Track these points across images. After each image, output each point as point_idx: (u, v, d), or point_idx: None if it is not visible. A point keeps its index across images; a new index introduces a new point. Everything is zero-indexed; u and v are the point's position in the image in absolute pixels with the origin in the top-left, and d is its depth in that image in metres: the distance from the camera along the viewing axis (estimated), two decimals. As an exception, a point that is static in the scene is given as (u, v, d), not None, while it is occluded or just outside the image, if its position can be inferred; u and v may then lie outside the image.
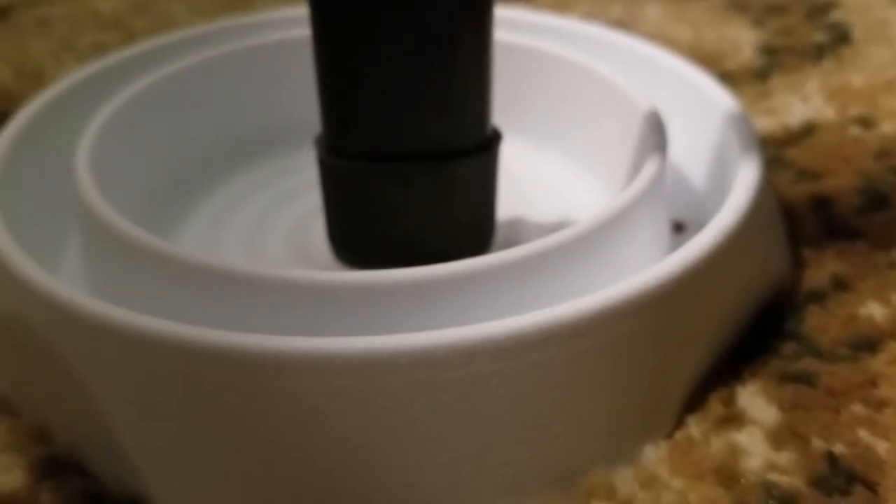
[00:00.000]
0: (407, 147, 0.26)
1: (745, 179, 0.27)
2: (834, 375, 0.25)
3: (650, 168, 0.27)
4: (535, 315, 0.21)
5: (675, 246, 0.30)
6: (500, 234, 0.30)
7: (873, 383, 0.24)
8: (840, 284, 0.28)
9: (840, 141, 0.36)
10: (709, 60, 0.42)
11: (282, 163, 0.35)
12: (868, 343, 0.26)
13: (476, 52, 0.26)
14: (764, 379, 0.25)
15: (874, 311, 0.27)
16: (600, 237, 0.26)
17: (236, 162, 0.35)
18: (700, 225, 0.30)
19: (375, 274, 0.23)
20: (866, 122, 0.37)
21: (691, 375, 0.24)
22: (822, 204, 0.32)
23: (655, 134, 0.29)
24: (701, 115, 0.32)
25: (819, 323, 0.27)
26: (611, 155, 0.33)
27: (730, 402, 0.24)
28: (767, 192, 0.29)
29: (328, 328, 0.23)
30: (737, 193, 0.26)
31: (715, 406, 0.24)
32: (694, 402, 0.24)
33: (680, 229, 0.32)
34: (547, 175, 0.34)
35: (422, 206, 0.28)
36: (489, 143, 0.27)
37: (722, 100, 0.31)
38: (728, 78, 0.41)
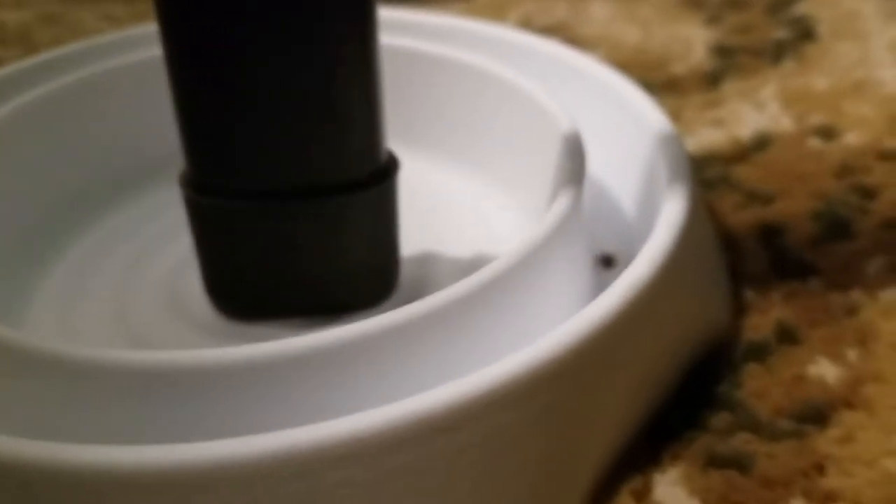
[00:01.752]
0: (283, 182, 0.22)
1: (667, 220, 0.22)
2: (772, 458, 0.20)
3: (561, 204, 0.23)
4: (389, 410, 0.17)
5: (601, 284, 0.26)
6: (407, 274, 0.26)
7: (819, 469, 0.20)
8: (786, 335, 0.24)
9: (797, 156, 0.31)
10: (655, 64, 0.38)
11: (165, 195, 0.30)
12: (816, 413, 0.21)
13: (359, 68, 0.22)
14: (688, 462, 0.20)
15: (825, 370, 0.22)
16: (504, 287, 0.21)
17: (112, 195, 0.30)
18: (631, 259, 0.26)
19: (214, 352, 0.19)
20: (828, 133, 0.32)
21: (597, 462, 0.20)
22: (771, 233, 0.28)
23: (573, 160, 0.25)
24: (630, 133, 0.28)
25: (759, 386, 0.22)
26: (530, 177, 0.28)
27: (644, 495, 0.20)
28: (701, 227, 0.25)
29: (160, 421, 0.19)
30: (654, 239, 0.22)
31: (626, 501, 0.20)
32: (601, 495, 0.20)
33: (609, 264, 0.27)
34: (462, 200, 0.30)
35: (306, 250, 0.24)
36: (384, 173, 0.24)
37: (652, 116, 0.27)
38: (674, 84, 0.36)
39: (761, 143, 0.32)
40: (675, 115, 0.33)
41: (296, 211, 0.23)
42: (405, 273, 0.26)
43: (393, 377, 0.20)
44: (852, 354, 0.23)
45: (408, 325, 0.20)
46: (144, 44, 0.31)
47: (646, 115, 0.27)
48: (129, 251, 0.28)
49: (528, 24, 0.42)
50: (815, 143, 0.32)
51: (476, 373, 0.18)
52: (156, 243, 0.28)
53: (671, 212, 0.23)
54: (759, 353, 0.23)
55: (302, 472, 0.16)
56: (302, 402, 0.19)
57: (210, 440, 0.16)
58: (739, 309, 0.25)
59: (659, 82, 0.36)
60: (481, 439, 0.18)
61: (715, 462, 0.20)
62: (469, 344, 0.21)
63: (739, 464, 0.20)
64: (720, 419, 0.21)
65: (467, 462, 0.17)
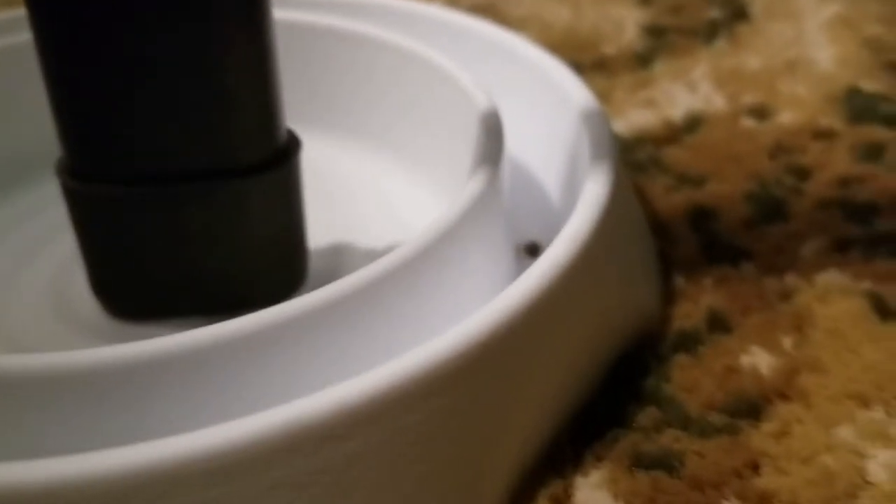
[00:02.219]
0: (168, 166, 0.20)
1: (587, 201, 0.21)
2: (703, 457, 0.18)
3: (476, 184, 0.21)
4: (265, 418, 0.15)
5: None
6: (317, 266, 0.24)
7: (753, 468, 0.18)
8: (718, 323, 0.22)
9: (730, 136, 0.30)
10: (585, 45, 0.36)
11: (48, 191, 0.28)
12: (749, 407, 0.20)
13: (248, 41, 0.20)
14: (612, 463, 0.19)
15: (759, 360, 0.21)
16: (411, 275, 0.19)
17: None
18: None
19: (64, 356, 0.17)
20: (761, 113, 0.31)
21: (511, 467, 0.18)
22: (703, 216, 0.26)
23: (489, 139, 0.23)
24: (556, 114, 0.26)
25: (689, 379, 0.21)
26: (448, 160, 0.26)
27: (564, 501, 0.18)
28: (626, 209, 0.23)
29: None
30: (572, 222, 0.20)
31: (544, 508, 0.18)
32: (517, 502, 0.18)
33: (535, 252, 0.26)
34: (376, 185, 0.28)
35: (200, 241, 0.22)
36: (283, 154, 0.22)
37: (577, 95, 0.25)
38: (604, 65, 0.34)
39: (693, 123, 0.31)
40: (605, 97, 0.32)
41: (184, 198, 0.21)
42: (315, 264, 0.24)
43: (283, 377, 0.18)
44: (787, 342, 0.21)
45: (300, 318, 0.18)
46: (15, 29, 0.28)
47: (571, 95, 0.25)
48: (9, 250, 0.25)
49: (456, 3, 0.40)
50: (748, 123, 0.30)
51: (370, 371, 0.16)
52: (39, 241, 0.25)
53: (591, 192, 0.21)
54: (689, 342, 0.22)
55: (165, 492, 0.14)
56: (180, 406, 0.17)
57: (80, 451, 0.14)
58: (669, 297, 0.23)
59: (589, 63, 0.34)
60: (376, 446, 0.16)
61: (641, 462, 0.19)
62: (371, 338, 0.19)
63: (667, 464, 0.18)
64: (647, 415, 0.20)
65: (359, 473, 0.15)
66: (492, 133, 0.23)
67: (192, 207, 0.21)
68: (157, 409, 0.17)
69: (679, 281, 0.24)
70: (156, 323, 0.22)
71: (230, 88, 0.20)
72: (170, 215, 0.21)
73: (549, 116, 0.26)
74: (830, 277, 0.23)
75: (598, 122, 0.24)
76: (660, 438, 0.19)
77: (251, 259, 0.22)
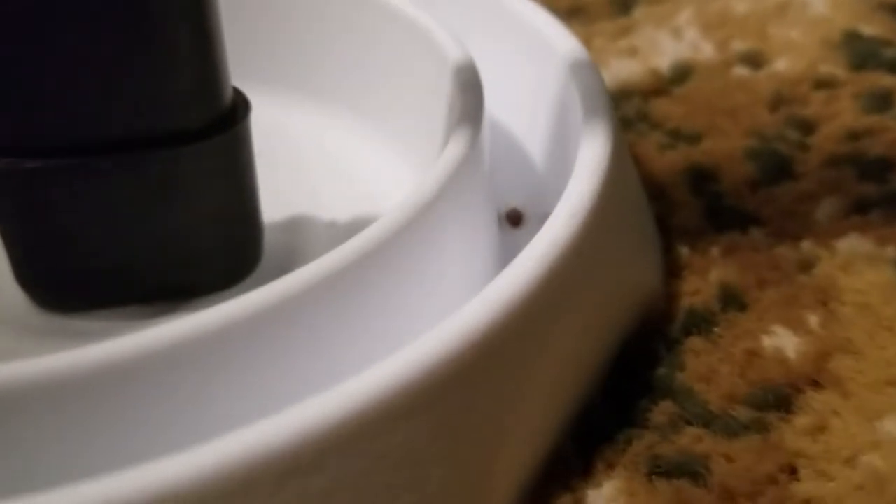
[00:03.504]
0: (90, 134, 0.17)
1: (586, 166, 0.18)
2: (731, 461, 0.16)
3: (454, 150, 0.18)
4: (214, 451, 0.12)
5: (509, 246, 0.22)
6: (272, 245, 0.21)
7: (790, 471, 0.16)
8: (732, 300, 0.19)
9: (723, 87, 0.27)
10: (557, -11, 0.33)
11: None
12: (778, 397, 0.17)
13: None
14: (628, 471, 0.16)
15: (783, 341, 0.18)
16: (387, 257, 0.17)
17: None
18: (544, 215, 0.22)
19: None
20: (755, 60, 0.28)
21: (512, 484, 0.15)
22: (703, 177, 0.23)
23: (466, 95, 0.20)
24: (537, 65, 0.23)
25: (706, 367, 0.18)
26: (417, 119, 0.23)
27: (575, 519, 0.15)
28: (625, 174, 0.20)
29: None
30: (572, 191, 0.17)
31: (552, 529, 0.15)
32: (520, 523, 0.15)
33: (517, 222, 0.23)
34: (336, 150, 0.25)
35: (132, 221, 0.19)
36: (227, 119, 0.19)
37: (562, 44, 0.22)
38: (581, 10, 0.32)
39: (682, 73, 0.28)
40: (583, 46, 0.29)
41: (112, 171, 0.18)
42: (270, 243, 0.21)
43: (235, 390, 0.15)
44: (813, 320, 0.19)
45: (256, 316, 0.15)
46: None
47: (555, 44, 0.22)
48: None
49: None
50: (741, 71, 0.28)
51: (340, 385, 0.13)
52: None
53: (590, 157, 0.18)
54: (701, 323, 0.19)
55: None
56: (93, 436, 0.14)
57: None
58: (673, 270, 0.21)
59: (564, 8, 0.31)
60: (352, 479, 0.13)
61: (660, 469, 0.16)
62: (343, 337, 0.16)
63: (691, 470, 0.16)
64: (662, 412, 0.17)
65: (337, 509, 0.13)
66: (468, 88, 0.20)
67: (122, 182, 0.18)
68: (79, 433, 0.14)
69: (683, 252, 0.21)
70: (89, 314, 0.19)
71: (162, 38, 0.17)
72: (96, 192, 0.18)
73: (528, 67, 0.23)
74: (852, 243, 0.21)
75: (588, 74, 0.21)
76: (679, 439, 0.17)
77: (195, 241, 0.20)
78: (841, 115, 0.25)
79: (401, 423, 0.13)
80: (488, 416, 0.15)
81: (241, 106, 0.19)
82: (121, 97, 0.17)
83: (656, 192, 0.23)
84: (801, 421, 0.17)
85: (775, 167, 0.23)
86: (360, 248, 0.16)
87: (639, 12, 0.31)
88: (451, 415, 0.14)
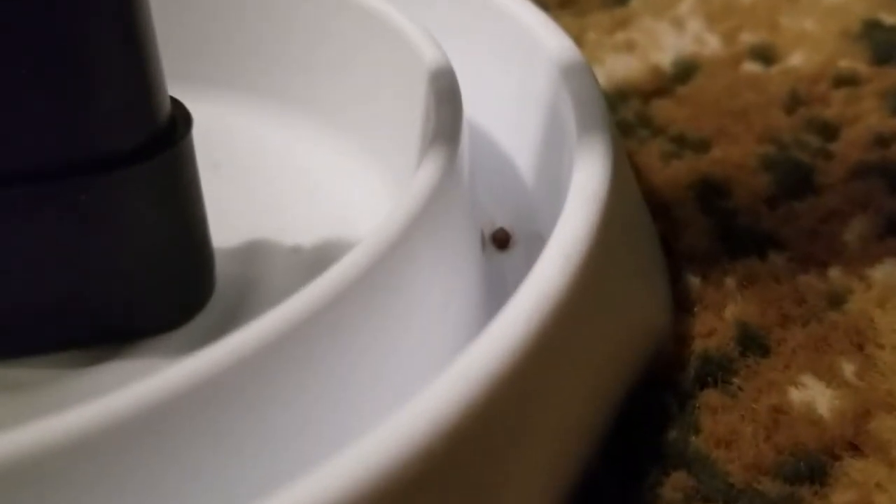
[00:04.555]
0: (5, 163, 0.15)
1: (584, 184, 0.15)
2: (760, 554, 0.13)
3: (430, 170, 0.16)
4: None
5: (495, 272, 0.19)
6: (226, 275, 0.19)
7: (833, 567, 0.13)
8: (752, 343, 0.17)
9: (732, 85, 0.24)
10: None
11: None
12: (811, 467, 0.14)
13: None
14: (635, 565, 0.13)
15: (815, 395, 0.16)
16: (357, 299, 0.14)
17: None
18: (534, 236, 0.19)
19: None
20: (767, 55, 0.25)
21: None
22: (712, 191, 0.21)
23: (443, 105, 0.17)
24: (524, 67, 0.20)
25: (725, 428, 0.15)
26: (387, 128, 0.21)
27: None
28: (627, 192, 0.17)
29: None
30: (569, 217, 0.14)
31: None
32: None
33: (504, 244, 0.20)
34: (298, 163, 0.22)
35: (58, 255, 0.16)
36: (165, 136, 0.16)
37: (552, 44, 0.19)
38: (572, 1, 0.29)
39: (686, 70, 0.25)
40: (575, 40, 0.26)
41: (32, 203, 0.16)
42: (223, 273, 0.19)
43: (190, 465, 0.12)
44: (848, 368, 0.16)
45: (209, 381, 0.12)
46: None
47: (544, 43, 0.19)
48: None
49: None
50: (752, 67, 0.25)
51: (295, 483, 0.10)
52: None
53: (586, 180, 0.15)
54: (717, 372, 0.16)
55: None
56: None
57: None
58: (682, 305, 0.18)
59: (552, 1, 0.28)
60: None
61: (675, 562, 0.13)
62: (307, 394, 0.13)
63: (713, 566, 0.13)
64: (675, 485, 0.14)
65: None
66: (445, 100, 0.17)
67: (46, 215, 0.16)
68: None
69: (693, 282, 0.18)
70: (23, 362, 0.17)
71: (84, 48, 0.15)
72: (16, 226, 0.16)
73: (513, 70, 0.21)
74: (888, 272, 0.18)
75: (582, 77, 0.18)
76: (696, 523, 0.14)
77: (134, 276, 0.17)
78: (865, 116, 0.22)
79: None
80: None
81: (180, 122, 0.17)
82: (38, 121, 0.15)
83: (660, 210, 0.20)
84: (841, 498, 0.14)
85: (795, 179, 0.21)
86: (319, 295, 0.14)
87: (636, 2, 0.28)
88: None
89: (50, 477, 0.12)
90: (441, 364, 0.12)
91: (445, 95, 0.18)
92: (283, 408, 0.13)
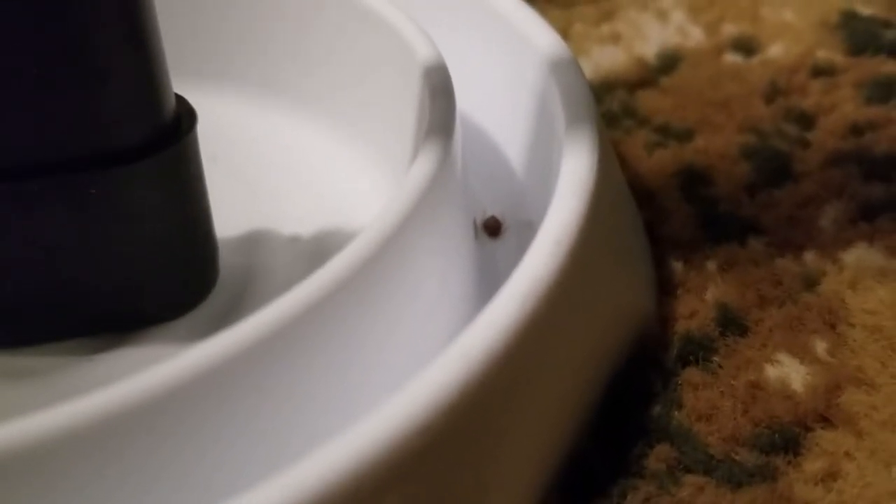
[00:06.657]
0: (15, 157, 0.16)
1: (573, 173, 0.16)
2: (737, 518, 0.14)
3: (426, 165, 0.16)
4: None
5: (487, 260, 0.20)
6: (228, 266, 0.19)
7: (803, 529, 0.14)
8: (731, 323, 0.18)
9: (714, 76, 0.25)
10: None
11: None
12: (785, 438, 0.15)
13: None
14: (621, 531, 0.14)
15: (789, 371, 0.17)
16: (356, 291, 0.15)
17: None
18: (524, 223, 0.20)
19: None
20: (748, 46, 0.26)
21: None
22: (694, 179, 0.22)
23: (437, 99, 0.18)
24: (512, 60, 0.21)
25: (705, 403, 0.16)
26: (381, 121, 0.22)
27: (564, 591, 0.14)
28: (613, 180, 0.18)
29: None
30: (559, 206, 0.15)
31: None
32: None
33: (496, 232, 0.21)
34: (297, 156, 0.23)
35: (68, 250, 0.17)
36: (171, 132, 0.17)
37: (539, 37, 0.20)
38: (559, -8, 0.30)
39: (669, 62, 0.26)
40: (561, 33, 0.27)
41: (42, 196, 0.16)
42: (226, 264, 0.19)
43: (189, 453, 0.13)
44: (820, 346, 0.17)
45: (211, 369, 0.13)
46: None
47: (533, 38, 0.20)
48: None
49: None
50: (733, 59, 0.26)
51: (295, 468, 0.11)
52: None
53: (574, 170, 0.16)
54: (698, 351, 0.17)
55: None
56: None
57: None
58: (665, 287, 0.19)
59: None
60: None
61: (658, 528, 0.14)
62: (311, 379, 0.14)
63: (693, 529, 0.14)
64: (659, 457, 0.15)
65: None
66: (439, 94, 0.18)
67: (55, 208, 0.16)
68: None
69: (676, 266, 0.19)
70: (32, 350, 0.18)
71: (93, 46, 0.15)
72: (27, 219, 0.16)
73: (502, 62, 0.22)
74: (860, 255, 0.19)
75: (569, 70, 0.19)
76: (679, 490, 0.15)
77: (140, 266, 0.18)
78: (841, 106, 0.23)
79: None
80: (464, 482, 0.13)
81: (185, 117, 0.17)
82: (47, 116, 0.16)
83: (645, 197, 0.21)
84: (811, 466, 0.15)
85: (774, 167, 0.22)
86: (323, 284, 0.14)
87: (622, -6, 0.29)
88: (423, 487, 0.12)
89: (59, 464, 0.12)
90: (438, 346, 0.13)
91: (439, 90, 0.18)
92: (289, 393, 0.14)
